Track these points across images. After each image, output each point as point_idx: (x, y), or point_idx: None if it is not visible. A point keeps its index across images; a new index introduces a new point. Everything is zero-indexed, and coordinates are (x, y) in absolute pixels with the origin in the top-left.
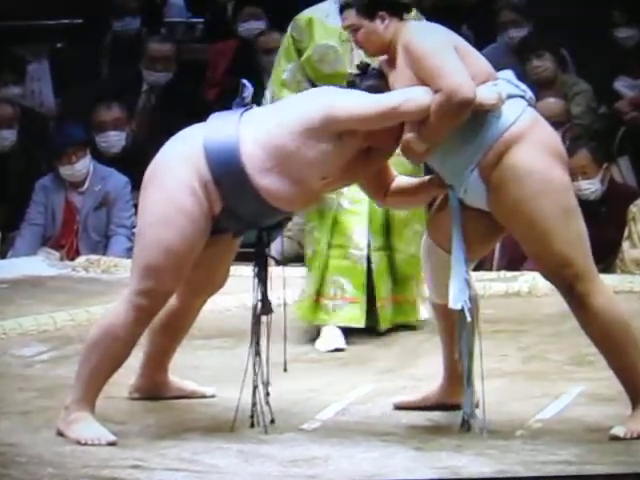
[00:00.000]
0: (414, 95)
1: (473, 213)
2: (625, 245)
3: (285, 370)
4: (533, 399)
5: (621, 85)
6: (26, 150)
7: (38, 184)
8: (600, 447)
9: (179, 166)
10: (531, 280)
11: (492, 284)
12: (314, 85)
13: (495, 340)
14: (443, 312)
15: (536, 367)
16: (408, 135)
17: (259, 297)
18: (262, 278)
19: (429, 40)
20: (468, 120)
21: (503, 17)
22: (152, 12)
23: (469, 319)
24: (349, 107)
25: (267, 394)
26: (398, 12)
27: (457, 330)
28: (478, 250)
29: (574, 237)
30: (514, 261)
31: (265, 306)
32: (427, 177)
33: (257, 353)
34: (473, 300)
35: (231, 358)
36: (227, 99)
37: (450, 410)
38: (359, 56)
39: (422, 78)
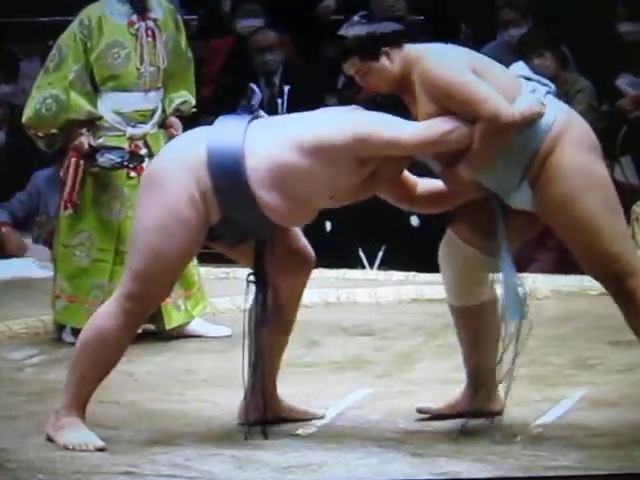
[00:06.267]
0: (454, 126)
1: (511, 211)
2: None
3: None
4: (533, 403)
5: (624, 82)
6: (16, 149)
7: (34, 175)
8: (602, 452)
9: (179, 172)
10: (531, 283)
11: None
12: (96, 87)
13: None
14: (462, 316)
15: (536, 371)
16: (454, 167)
17: (260, 307)
18: (263, 288)
19: (447, 68)
20: None
21: (503, 16)
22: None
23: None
24: (387, 134)
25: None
26: (399, 43)
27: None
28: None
29: (620, 232)
30: (519, 263)
31: (265, 317)
32: None
33: (255, 364)
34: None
35: (224, 362)
36: (222, 96)
37: (479, 418)
38: (149, 53)
39: (453, 109)
